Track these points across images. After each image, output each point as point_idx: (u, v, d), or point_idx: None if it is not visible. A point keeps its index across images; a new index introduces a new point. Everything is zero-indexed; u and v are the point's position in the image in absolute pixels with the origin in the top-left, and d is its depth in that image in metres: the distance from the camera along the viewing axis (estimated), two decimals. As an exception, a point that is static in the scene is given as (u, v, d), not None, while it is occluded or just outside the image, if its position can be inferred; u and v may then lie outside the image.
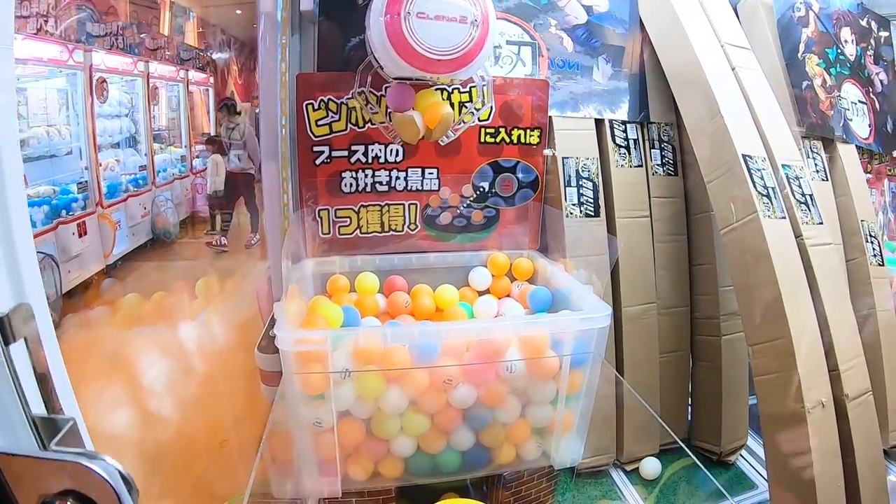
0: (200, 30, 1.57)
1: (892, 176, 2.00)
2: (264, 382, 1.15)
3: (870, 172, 1.88)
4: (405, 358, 0.93)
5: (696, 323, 1.49)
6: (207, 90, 1.61)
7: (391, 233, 1.23)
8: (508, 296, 1.22)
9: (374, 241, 1.23)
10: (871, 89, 1.84)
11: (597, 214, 1.30)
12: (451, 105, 1.16)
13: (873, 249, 1.60)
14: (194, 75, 1.55)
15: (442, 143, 1.18)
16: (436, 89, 1.14)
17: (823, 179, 1.59)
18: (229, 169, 1.42)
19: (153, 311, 1.26)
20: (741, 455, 1.51)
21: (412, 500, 1.07)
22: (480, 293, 1.22)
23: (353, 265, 1.20)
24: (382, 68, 1.09)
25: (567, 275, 1.14)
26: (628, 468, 1.39)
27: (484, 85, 1.17)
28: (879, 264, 1.61)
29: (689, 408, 1.54)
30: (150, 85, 1.40)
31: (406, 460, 1.03)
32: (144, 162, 1.47)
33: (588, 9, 1.34)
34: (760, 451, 1.47)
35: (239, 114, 1.42)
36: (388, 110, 1.13)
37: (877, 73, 1.89)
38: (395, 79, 1.10)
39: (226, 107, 1.44)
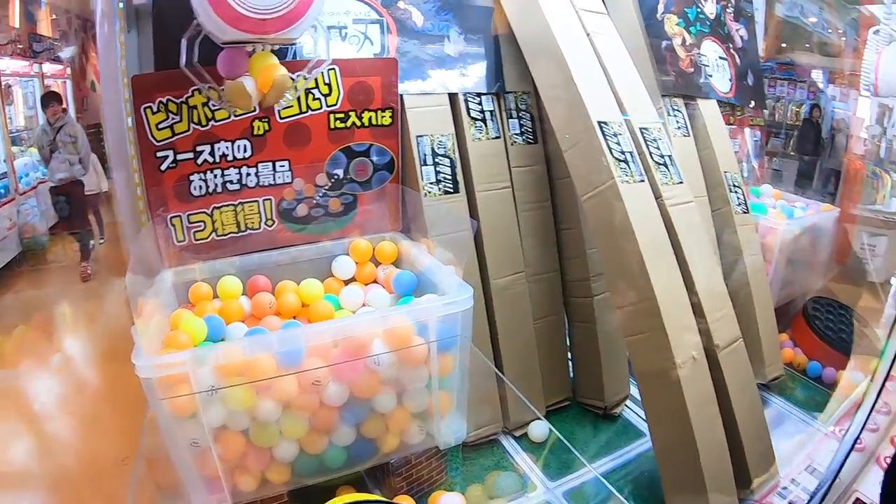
0: (54, 17, 1.47)
1: (753, 125, 2.10)
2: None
3: (733, 124, 1.96)
4: (270, 366, 0.91)
5: (568, 285, 1.51)
6: (65, 82, 1.52)
7: (248, 232, 1.18)
8: (375, 282, 1.21)
9: (232, 242, 1.18)
10: (731, 45, 1.91)
11: (456, 191, 1.29)
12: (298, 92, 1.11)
13: (737, 199, 1.67)
14: (50, 67, 1.45)
15: (278, 109, 1.12)
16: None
17: (685, 135, 1.64)
18: (60, 179, 1.30)
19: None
20: (626, 406, 1.56)
21: (306, 501, 1.04)
22: (346, 282, 1.20)
23: (213, 270, 1.16)
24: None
25: (430, 256, 1.13)
26: (517, 434, 1.40)
27: (330, 69, 1.12)
28: (744, 212, 1.68)
29: (571, 367, 1.56)
30: (2, 83, 1.30)
31: (292, 464, 1.02)
32: (4, 168, 1.39)
33: (441, -21, 1.31)
34: None
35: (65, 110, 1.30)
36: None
37: (737, 30, 1.96)
38: (225, 44, 1.01)
39: (50, 99, 1.32)
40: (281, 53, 1.08)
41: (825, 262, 2.25)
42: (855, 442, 1.37)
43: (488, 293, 1.34)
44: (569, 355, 1.55)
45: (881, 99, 2.41)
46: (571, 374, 1.56)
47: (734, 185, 1.68)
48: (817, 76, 4.68)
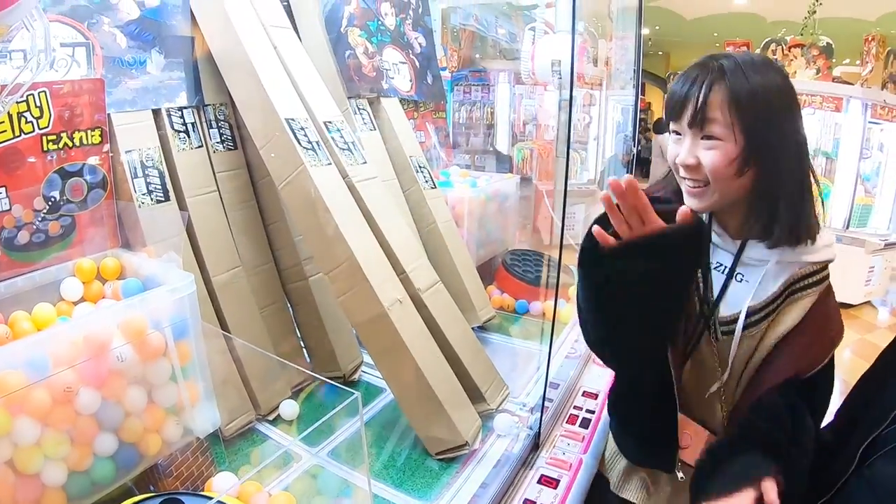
0: None
1: (435, 119, 2.47)
2: None
3: (416, 119, 2.31)
4: (20, 381, 0.91)
5: (284, 273, 1.65)
6: None
7: (-30, 267, 1.13)
8: (104, 297, 1.24)
9: (-47, 280, 1.12)
10: (410, 51, 2.21)
11: (167, 199, 1.35)
12: (10, 117, 1.09)
13: (424, 178, 1.96)
14: None
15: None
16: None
17: (371, 129, 1.89)
18: None
19: None
20: (362, 371, 1.74)
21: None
22: (76, 303, 1.21)
23: None
24: None
25: (151, 260, 1.21)
26: (271, 417, 1.50)
27: (41, 91, 1.13)
28: (432, 187, 1.97)
29: (304, 349, 1.70)
30: None
31: (64, 488, 1.02)
32: None
33: (140, 3, 1.36)
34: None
35: None
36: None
37: (416, 38, 2.27)
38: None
39: None
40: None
41: (516, 221, 2.69)
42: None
43: (212, 291, 1.42)
44: (299, 336, 1.70)
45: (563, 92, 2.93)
46: (306, 355, 1.71)
47: (420, 167, 1.97)
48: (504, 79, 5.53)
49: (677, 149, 1.02)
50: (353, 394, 1.04)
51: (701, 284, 1.11)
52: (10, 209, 1.16)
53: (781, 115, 0.98)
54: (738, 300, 1.07)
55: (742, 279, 1.08)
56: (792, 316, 1.04)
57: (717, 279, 1.10)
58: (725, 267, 1.09)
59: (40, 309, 1.16)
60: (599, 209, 0.95)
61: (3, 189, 1.14)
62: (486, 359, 1.61)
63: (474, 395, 1.50)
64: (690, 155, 0.99)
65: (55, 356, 0.96)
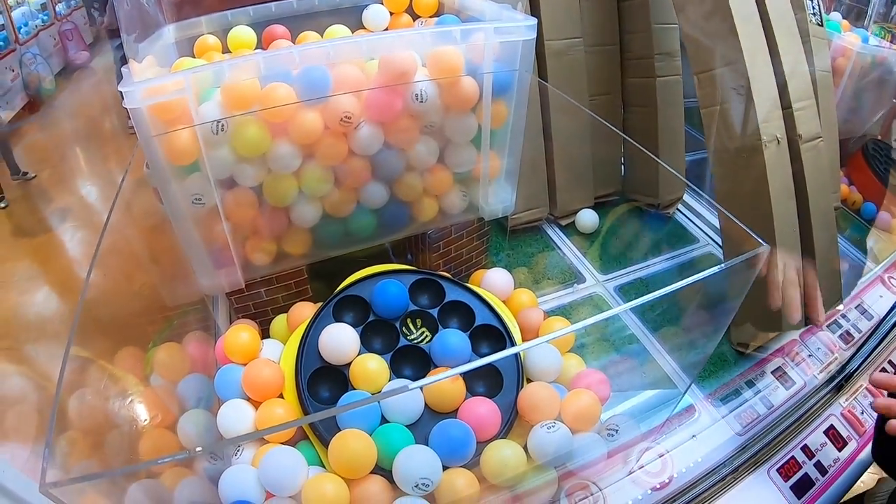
0: None
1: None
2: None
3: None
4: (288, 96, 0.74)
5: (628, 64, 1.33)
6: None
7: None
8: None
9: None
10: None
11: None
12: None
13: (813, 7, 1.43)
14: None
15: None
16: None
17: None
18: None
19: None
20: (678, 209, 1.42)
21: (329, 278, 0.92)
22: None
23: (223, 22, 0.97)
24: None
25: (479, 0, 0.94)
26: (563, 223, 1.29)
27: None
28: (819, 24, 1.45)
29: (622, 159, 1.41)
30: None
31: (312, 231, 0.88)
32: (1, 20, 1.32)
33: None
34: (698, 206, 1.41)
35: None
36: None
37: None
38: None
39: None
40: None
41: (887, 107, 2.08)
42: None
43: (542, 55, 1.16)
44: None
45: None
46: (623, 166, 1.41)
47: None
48: None
49: None
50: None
51: None
52: None
53: None
54: None
55: None
56: None
57: None
58: None
59: (334, 31, 0.97)
60: None
61: None
62: (837, 257, 1.18)
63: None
64: None
65: (339, 76, 0.75)
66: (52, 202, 1.38)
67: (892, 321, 1.19)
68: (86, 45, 1.51)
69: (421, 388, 0.73)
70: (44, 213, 1.35)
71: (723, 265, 0.58)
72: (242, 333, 0.81)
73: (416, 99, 0.79)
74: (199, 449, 0.60)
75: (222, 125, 0.72)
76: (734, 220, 0.68)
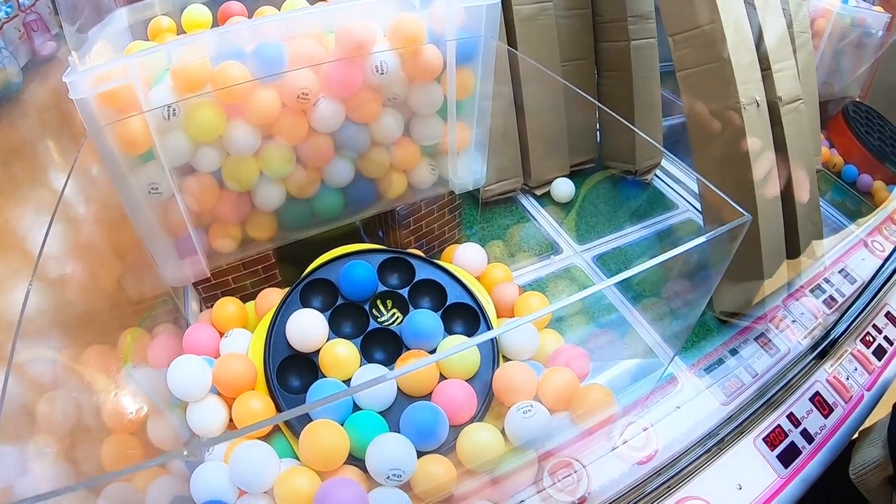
0: None
1: None
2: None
3: None
4: (242, 75, 0.70)
5: (600, 27, 1.28)
6: None
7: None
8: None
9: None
10: None
11: None
12: None
13: None
14: None
15: None
16: None
17: None
18: None
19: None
20: (656, 175, 1.39)
21: (298, 262, 0.88)
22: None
23: (177, 2, 0.93)
24: None
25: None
26: (538, 193, 1.25)
27: None
28: None
29: (598, 125, 1.38)
30: None
31: (277, 213, 0.85)
32: None
33: None
34: (676, 171, 1.38)
35: None
36: None
37: None
38: None
39: None
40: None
41: (869, 68, 2.05)
42: (890, 257, 1.25)
43: (510, 21, 1.12)
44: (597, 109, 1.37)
45: None
46: (598, 132, 1.38)
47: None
48: None
49: None
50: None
51: None
52: None
53: None
54: None
55: None
56: None
57: None
58: None
59: (291, 4, 0.92)
60: None
61: None
62: (819, 219, 1.19)
63: (791, 249, 1.10)
64: None
65: (294, 51, 0.72)
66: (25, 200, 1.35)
67: (877, 285, 1.18)
68: (52, 35, 1.47)
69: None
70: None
71: (703, 238, 0.55)
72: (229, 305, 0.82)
73: (377, 71, 0.75)
74: (185, 453, 0.57)
75: (173, 109, 0.69)
76: (714, 189, 0.65)
